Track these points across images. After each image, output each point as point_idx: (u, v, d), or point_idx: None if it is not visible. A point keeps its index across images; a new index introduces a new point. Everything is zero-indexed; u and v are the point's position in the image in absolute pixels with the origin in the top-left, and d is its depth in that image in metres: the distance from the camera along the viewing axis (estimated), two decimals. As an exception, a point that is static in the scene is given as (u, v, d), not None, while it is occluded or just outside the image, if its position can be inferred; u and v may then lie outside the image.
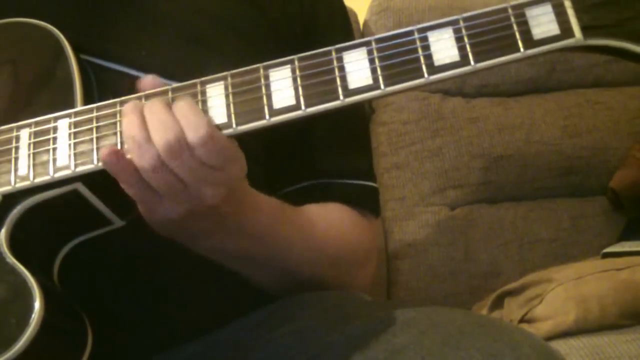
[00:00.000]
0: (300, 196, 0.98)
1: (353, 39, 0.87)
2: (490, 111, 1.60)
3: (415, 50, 0.78)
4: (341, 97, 0.78)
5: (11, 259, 0.77)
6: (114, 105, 0.80)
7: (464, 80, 1.61)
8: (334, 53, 0.79)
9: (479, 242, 1.53)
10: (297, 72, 0.79)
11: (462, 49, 0.78)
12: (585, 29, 0.78)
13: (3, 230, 0.78)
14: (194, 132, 0.75)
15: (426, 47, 0.78)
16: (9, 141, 0.81)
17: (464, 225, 1.54)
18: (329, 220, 0.97)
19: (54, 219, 0.82)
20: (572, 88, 1.66)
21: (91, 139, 0.79)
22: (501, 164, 1.57)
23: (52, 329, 0.75)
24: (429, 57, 0.78)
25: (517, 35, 0.78)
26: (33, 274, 0.76)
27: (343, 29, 1.08)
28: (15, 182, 0.79)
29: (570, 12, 0.78)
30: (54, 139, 0.80)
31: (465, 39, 0.78)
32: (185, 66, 0.87)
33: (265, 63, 0.80)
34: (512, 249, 1.53)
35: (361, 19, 1.66)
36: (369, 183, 1.04)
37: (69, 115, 0.81)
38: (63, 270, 0.83)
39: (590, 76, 1.67)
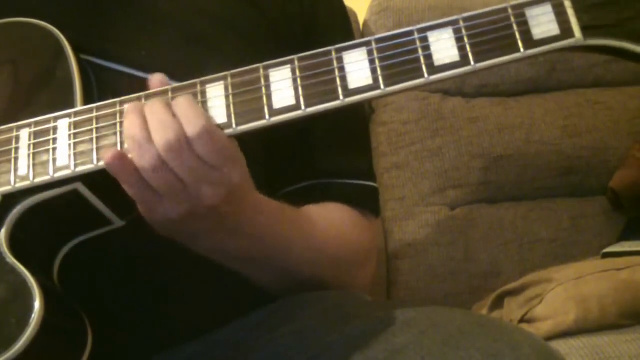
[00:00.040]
0: (300, 196, 0.98)
1: (353, 39, 0.87)
2: (490, 111, 1.60)
3: (415, 51, 0.78)
4: (341, 97, 0.78)
5: (11, 259, 0.77)
6: (113, 105, 0.80)
7: (464, 80, 1.61)
8: (334, 53, 0.79)
9: (479, 242, 1.53)
10: (297, 72, 0.79)
11: (462, 49, 0.78)
12: (585, 29, 0.78)
13: (3, 230, 0.78)
14: (192, 127, 0.75)
15: (426, 47, 0.78)
16: (9, 141, 0.81)
17: (464, 225, 1.54)
18: (329, 220, 0.97)
19: (54, 219, 0.82)
20: (572, 88, 1.66)
21: (91, 139, 0.79)
22: (501, 164, 1.57)
23: (52, 329, 0.75)
24: (429, 57, 0.78)
25: (517, 35, 0.78)
26: (33, 274, 0.76)
27: (343, 29, 1.08)
28: (15, 182, 0.79)
29: (570, 12, 0.78)
30: (54, 139, 0.80)
31: (465, 39, 0.78)
32: (185, 66, 0.87)
33: (265, 63, 0.80)
34: (512, 249, 1.53)
35: (361, 19, 1.66)
36: (369, 183, 1.04)
37: (68, 115, 0.81)
38: (63, 270, 0.83)
39: (590, 76, 1.67)
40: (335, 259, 0.96)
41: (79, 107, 0.82)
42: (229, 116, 0.78)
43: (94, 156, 0.79)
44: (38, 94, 0.87)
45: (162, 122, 0.75)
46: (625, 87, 1.67)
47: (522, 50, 0.78)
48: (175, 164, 0.75)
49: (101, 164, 0.78)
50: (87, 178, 0.79)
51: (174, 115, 0.76)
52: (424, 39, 0.78)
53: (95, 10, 0.96)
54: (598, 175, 1.59)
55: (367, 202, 1.03)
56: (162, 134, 0.75)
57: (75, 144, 0.79)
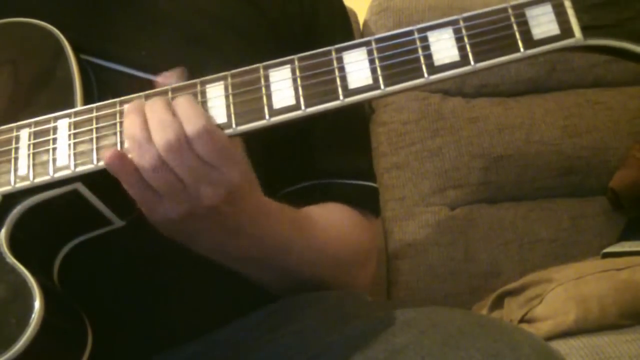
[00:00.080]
0: (300, 196, 0.98)
1: (353, 39, 0.87)
2: (490, 111, 1.60)
3: (415, 50, 0.78)
4: (341, 97, 0.78)
5: (11, 259, 0.76)
6: (113, 105, 0.80)
7: (464, 80, 1.61)
8: (334, 53, 0.79)
9: (479, 242, 1.53)
10: (297, 72, 0.79)
11: (462, 49, 0.78)
12: (585, 29, 0.78)
13: (3, 230, 0.78)
14: (192, 127, 0.75)
15: (426, 47, 0.78)
16: (8, 141, 0.81)
17: (464, 225, 1.54)
18: (330, 220, 0.97)
19: (54, 219, 0.82)
20: (572, 88, 1.66)
21: (91, 139, 0.79)
22: (501, 164, 1.57)
23: (52, 329, 0.75)
24: (429, 57, 0.78)
25: (517, 35, 0.78)
26: (33, 274, 0.76)
27: (343, 29, 1.08)
28: (15, 182, 0.79)
29: (570, 12, 0.78)
30: (54, 139, 0.80)
31: (465, 39, 0.78)
32: (185, 66, 0.87)
33: (265, 63, 0.80)
34: (512, 249, 1.53)
35: (361, 19, 1.66)
36: (369, 183, 1.04)
37: (68, 115, 0.81)
38: (63, 270, 0.83)
39: (590, 76, 1.67)
40: (335, 259, 0.96)
41: (79, 107, 0.82)
42: (228, 116, 0.78)
43: (93, 156, 0.79)
44: (38, 94, 0.87)
45: (162, 122, 0.75)
46: (625, 87, 1.67)
47: (522, 50, 0.77)
48: (175, 163, 0.75)
49: (101, 164, 0.78)
50: (87, 178, 0.79)
51: (174, 114, 0.76)
52: (424, 39, 0.78)
53: (95, 10, 0.96)
54: (598, 175, 1.59)
55: (367, 202, 1.03)
56: (162, 134, 0.75)
57: (75, 144, 0.79)
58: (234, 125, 0.78)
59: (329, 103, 0.78)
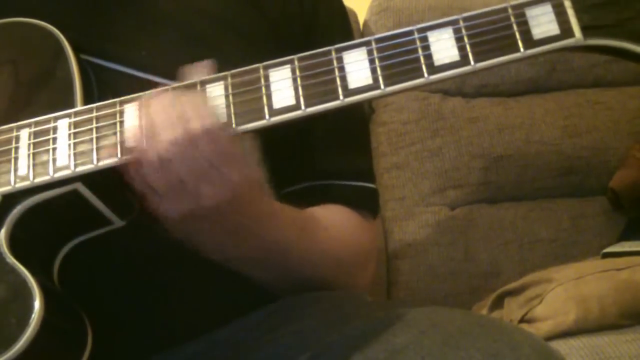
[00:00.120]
0: (300, 197, 0.98)
1: (353, 39, 0.87)
2: (490, 111, 1.60)
3: (415, 50, 0.78)
4: (341, 97, 0.78)
5: (11, 259, 0.76)
6: (113, 105, 0.80)
7: (464, 80, 1.61)
8: (333, 53, 0.79)
9: (479, 242, 1.53)
10: (297, 72, 0.79)
11: (462, 49, 0.78)
12: (585, 29, 0.78)
13: (3, 230, 0.78)
14: (194, 124, 0.75)
15: (426, 47, 0.78)
16: (8, 141, 0.81)
17: (464, 225, 1.54)
18: (331, 221, 0.97)
19: (54, 219, 0.82)
20: (572, 88, 1.66)
21: (91, 139, 0.79)
22: (501, 164, 1.57)
23: (52, 329, 0.75)
24: (428, 57, 0.78)
25: (517, 35, 0.78)
26: (33, 274, 0.76)
27: (343, 29, 1.08)
28: (15, 182, 0.79)
29: (570, 12, 0.78)
30: (54, 139, 0.80)
31: (465, 39, 0.78)
32: (185, 66, 0.87)
33: (265, 63, 0.80)
34: (512, 249, 1.53)
35: (361, 19, 1.66)
36: (369, 185, 1.04)
37: (68, 115, 0.81)
38: (63, 270, 0.83)
39: (590, 76, 1.67)
40: (336, 259, 0.96)
41: (79, 107, 0.82)
42: (228, 116, 0.78)
43: (93, 156, 0.78)
44: (38, 94, 0.87)
45: (164, 120, 0.75)
46: (625, 87, 1.67)
47: (522, 50, 0.77)
48: (176, 162, 0.75)
49: (101, 164, 0.78)
50: (87, 178, 0.79)
51: (178, 112, 0.76)
52: (424, 39, 0.78)
53: (95, 10, 0.96)
54: (598, 175, 1.59)
55: (366, 203, 1.03)
56: (164, 132, 0.75)
57: (75, 144, 0.79)
58: (233, 125, 0.78)
59: (329, 103, 0.78)
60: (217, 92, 0.79)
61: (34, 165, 0.80)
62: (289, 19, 1.02)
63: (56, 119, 0.81)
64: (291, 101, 0.78)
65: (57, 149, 0.80)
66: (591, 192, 1.59)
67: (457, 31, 0.78)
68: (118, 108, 0.80)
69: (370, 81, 0.78)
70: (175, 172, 0.75)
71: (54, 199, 0.80)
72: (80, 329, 0.80)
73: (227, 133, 0.77)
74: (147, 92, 0.80)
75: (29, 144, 0.80)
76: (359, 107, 1.10)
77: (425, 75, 0.77)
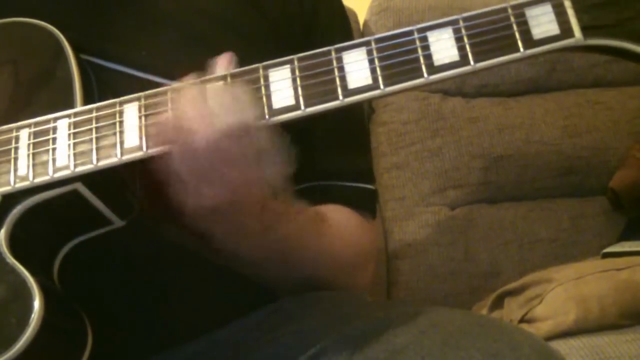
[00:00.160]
0: (300, 198, 0.98)
1: (353, 39, 0.87)
2: (490, 111, 1.60)
3: (415, 50, 0.78)
4: (341, 97, 0.78)
5: (11, 259, 0.76)
6: (113, 105, 0.80)
7: (464, 80, 1.61)
8: (333, 53, 0.79)
9: (479, 242, 1.53)
10: (297, 72, 0.79)
11: (461, 49, 0.78)
12: (585, 29, 0.77)
13: (3, 230, 0.78)
14: (196, 123, 0.74)
15: (426, 47, 0.78)
16: (8, 141, 0.81)
17: (464, 225, 1.54)
18: (331, 221, 0.97)
19: (54, 219, 0.82)
20: (572, 88, 1.66)
21: (91, 139, 0.79)
22: (501, 164, 1.57)
23: (52, 329, 0.75)
24: (428, 57, 0.78)
25: (517, 35, 0.77)
26: (33, 274, 0.76)
27: (343, 29, 1.08)
28: (14, 182, 0.79)
29: (570, 12, 0.78)
30: (54, 139, 0.80)
31: (465, 39, 0.78)
32: (185, 66, 0.87)
33: (264, 63, 0.79)
34: (512, 249, 1.53)
35: (361, 19, 1.66)
36: (368, 186, 1.04)
37: (68, 116, 0.81)
38: (63, 270, 0.83)
39: (590, 76, 1.67)
40: (337, 260, 0.96)
41: (79, 107, 0.82)
42: (228, 116, 0.78)
43: (93, 156, 0.78)
44: (38, 94, 0.87)
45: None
46: (625, 87, 1.68)
47: (522, 50, 0.77)
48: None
49: (101, 164, 0.78)
50: (87, 178, 0.79)
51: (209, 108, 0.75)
52: (424, 39, 0.78)
53: (95, 10, 0.96)
54: (598, 175, 1.59)
55: (366, 204, 1.03)
56: (195, 125, 0.74)
57: (74, 144, 0.79)
58: (234, 125, 0.78)
59: (328, 103, 0.78)
60: (217, 92, 0.79)
61: (33, 165, 0.80)
62: (289, 19, 1.02)
63: (56, 119, 0.81)
64: (291, 101, 0.78)
65: (57, 149, 0.79)
66: (591, 192, 1.59)
67: (457, 31, 0.78)
68: (118, 108, 0.80)
69: (370, 81, 0.78)
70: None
71: (53, 199, 0.80)
72: (80, 329, 0.80)
73: (257, 128, 0.77)
74: (147, 92, 0.79)
75: (29, 144, 0.80)
76: (359, 107, 1.10)
77: (425, 75, 0.77)
